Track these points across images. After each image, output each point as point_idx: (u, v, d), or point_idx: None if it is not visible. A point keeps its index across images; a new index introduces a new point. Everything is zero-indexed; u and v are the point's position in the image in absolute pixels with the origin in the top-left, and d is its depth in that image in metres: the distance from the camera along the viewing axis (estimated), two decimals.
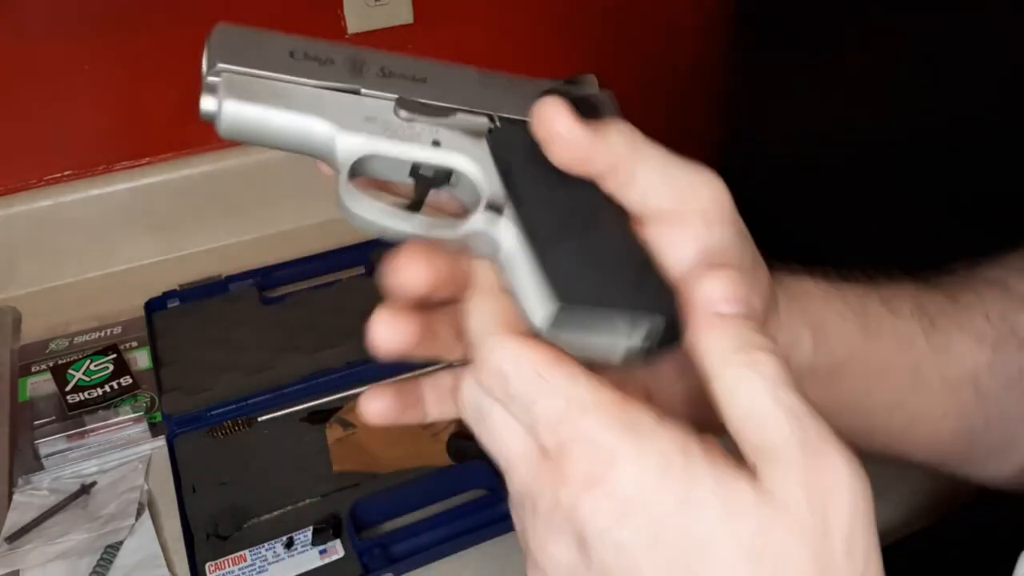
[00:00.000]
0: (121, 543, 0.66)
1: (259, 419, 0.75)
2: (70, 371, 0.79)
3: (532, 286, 0.32)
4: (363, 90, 0.34)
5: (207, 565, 0.62)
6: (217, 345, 0.81)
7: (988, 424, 0.43)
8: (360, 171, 0.34)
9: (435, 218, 0.34)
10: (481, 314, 0.32)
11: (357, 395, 0.76)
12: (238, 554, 0.63)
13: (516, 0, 1.04)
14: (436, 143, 0.34)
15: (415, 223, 0.34)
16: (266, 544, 0.63)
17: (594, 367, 0.31)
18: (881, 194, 0.95)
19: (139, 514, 0.68)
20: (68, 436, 0.73)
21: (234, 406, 0.75)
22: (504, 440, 0.33)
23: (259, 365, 0.78)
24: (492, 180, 0.34)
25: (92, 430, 0.73)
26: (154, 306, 0.87)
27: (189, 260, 0.98)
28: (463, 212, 0.35)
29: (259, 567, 0.62)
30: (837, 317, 0.40)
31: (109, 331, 0.85)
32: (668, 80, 1.17)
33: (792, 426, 0.29)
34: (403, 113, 0.34)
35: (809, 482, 0.28)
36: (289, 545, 0.63)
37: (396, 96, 0.34)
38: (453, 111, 0.35)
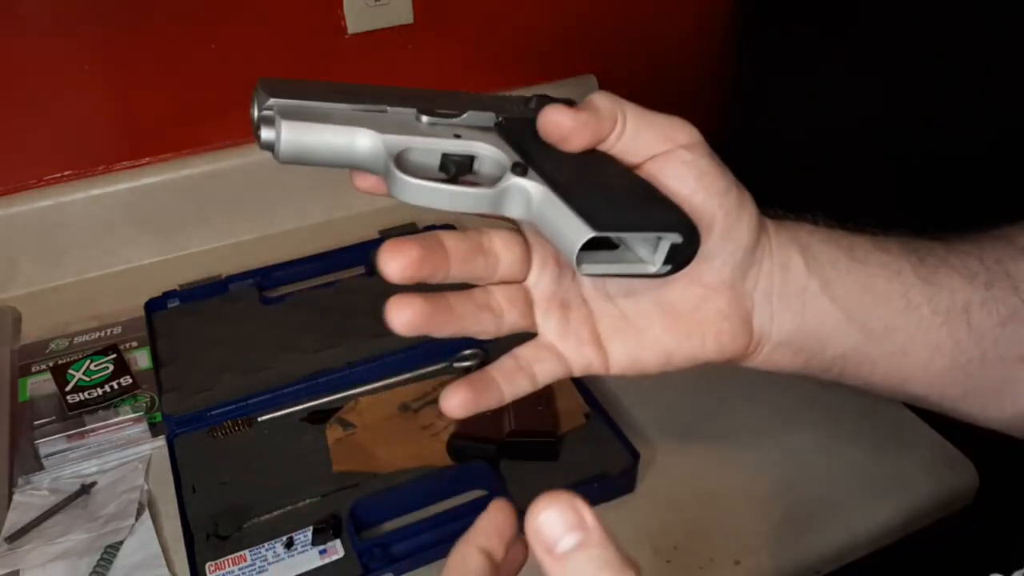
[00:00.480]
0: (121, 543, 0.66)
1: (259, 419, 0.75)
2: (70, 371, 0.79)
3: (566, 223, 0.37)
4: (388, 108, 0.40)
5: (207, 565, 0.62)
6: (217, 345, 0.81)
7: (984, 362, 0.44)
8: (401, 166, 0.39)
9: (472, 186, 0.40)
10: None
11: (357, 395, 0.76)
12: (238, 554, 0.63)
13: (516, 0, 1.04)
14: (457, 136, 0.41)
15: (458, 189, 0.39)
16: (266, 544, 0.63)
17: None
18: (883, 189, 0.95)
19: (139, 514, 0.68)
20: (68, 436, 0.73)
21: (234, 406, 0.75)
22: None
23: (259, 365, 0.78)
24: (510, 155, 0.40)
25: (92, 430, 0.73)
26: (154, 306, 0.87)
27: (189, 260, 0.98)
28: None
29: (259, 567, 0.62)
30: (823, 244, 0.44)
31: (109, 331, 0.85)
32: (668, 79, 1.17)
33: None
34: (424, 118, 0.41)
35: None
36: (289, 545, 0.63)
37: (416, 107, 0.41)
38: (464, 112, 0.41)
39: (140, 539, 0.66)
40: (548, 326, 0.42)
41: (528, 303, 0.42)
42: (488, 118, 0.41)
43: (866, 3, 0.95)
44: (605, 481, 0.66)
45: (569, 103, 0.42)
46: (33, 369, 0.81)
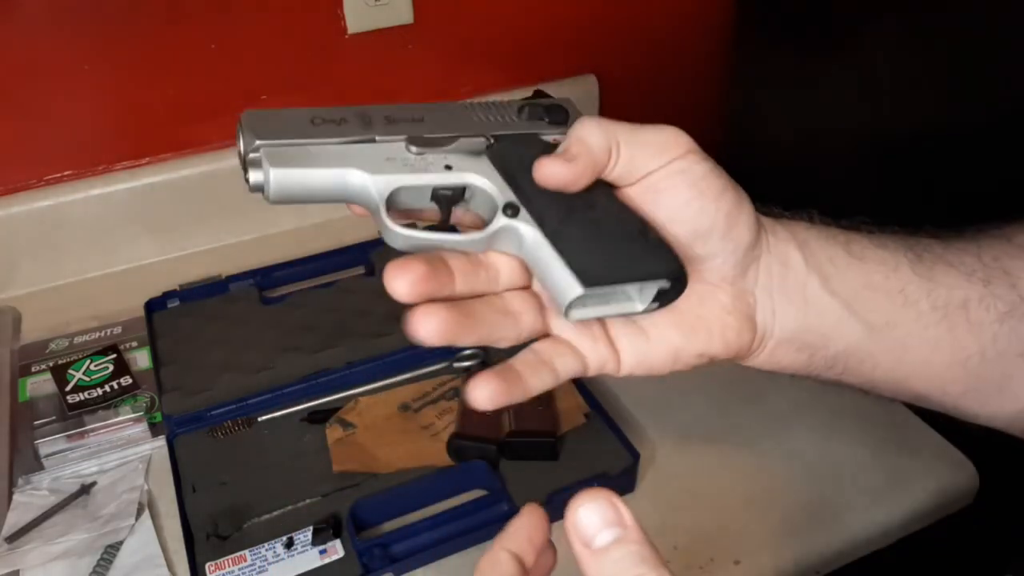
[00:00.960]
0: (121, 543, 0.66)
1: (259, 419, 0.75)
2: (70, 371, 0.79)
3: (556, 274, 0.38)
4: (377, 138, 0.40)
5: (207, 565, 0.62)
6: (217, 345, 0.81)
7: (984, 358, 0.44)
8: (392, 205, 0.40)
9: (462, 233, 0.40)
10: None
11: (357, 395, 0.76)
12: (238, 554, 0.63)
13: (516, 0, 1.04)
14: (448, 167, 0.41)
15: (448, 237, 0.40)
16: (266, 544, 0.63)
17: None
18: (880, 191, 0.95)
19: (139, 514, 0.68)
20: (68, 436, 0.73)
21: (234, 406, 0.75)
22: None
23: (259, 365, 0.78)
24: (501, 187, 0.40)
25: (92, 430, 0.73)
26: (154, 306, 0.87)
27: (189, 260, 0.98)
28: (481, 223, 0.41)
29: (259, 567, 0.62)
30: (821, 240, 0.44)
31: (109, 331, 0.85)
32: (668, 80, 1.17)
33: None
34: (414, 148, 0.40)
35: None
36: (289, 545, 0.63)
37: (406, 136, 0.41)
38: (454, 138, 0.41)
39: (140, 539, 0.66)
40: (563, 325, 0.42)
41: (539, 306, 0.42)
42: (479, 142, 0.41)
43: (866, 4, 0.95)
44: (605, 481, 0.66)
45: (560, 109, 0.43)
46: (33, 369, 0.81)
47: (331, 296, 0.88)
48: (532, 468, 0.68)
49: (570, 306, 0.38)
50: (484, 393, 0.39)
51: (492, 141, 0.42)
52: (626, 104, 1.14)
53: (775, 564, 0.63)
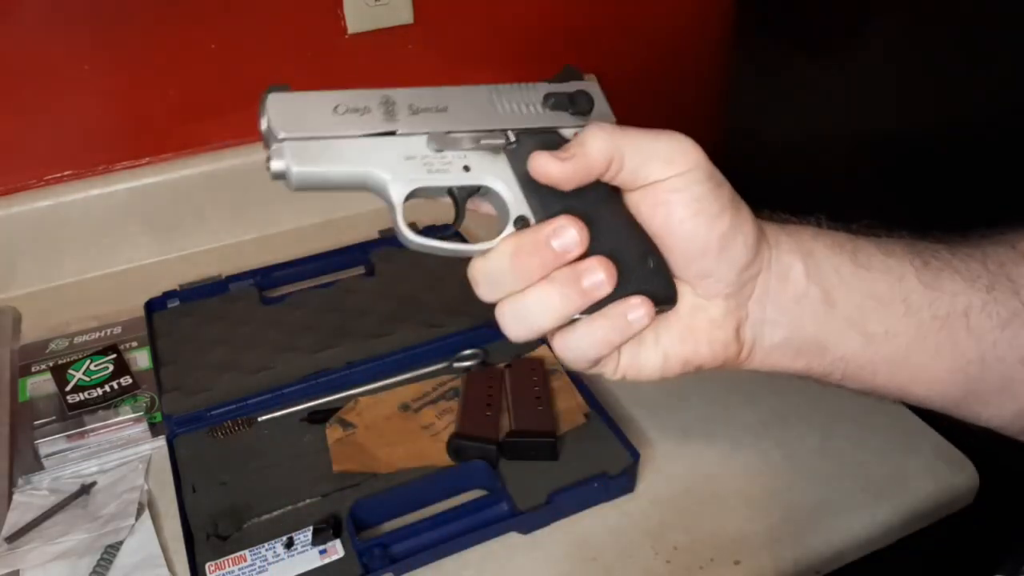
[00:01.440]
0: (121, 543, 0.65)
1: (259, 419, 0.75)
2: (70, 371, 0.79)
3: None
4: (399, 132, 0.41)
5: (207, 565, 0.62)
6: (217, 345, 0.81)
7: (984, 364, 0.45)
8: (410, 198, 0.42)
9: (473, 243, 0.42)
10: None
11: (357, 395, 0.76)
12: (238, 554, 0.63)
13: (516, 0, 1.04)
14: (466, 168, 0.42)
15: (461, 247, 0.42)
16: (266, 544, 0.63)
17: None
18: (880, 191, 0.95)
19: (139, 514, 0.68)
20: (68, 436, 0.73)
21: (234, 406, 0.75)
22: None
23: (259, 365, 0.78)
24: (516, 194, 0.42)
25: (92, 430, 0.73)
26: (154, 306, 0.87)
27: (189, 260, 0.98)
28: (493, 214, 0.44)
29: (259, 567, 0.62)
30: (827, 250, 0.45)
31: (109, 331, 0.85)
32: (668, 79, 1.17)
33: None
34: (434, 146, 0.42)
35: None
36: (289, 545, 0.63)
37: (427, 132, 0.42)
38: (475, 138, 0.42)
39: (140, 539, 0.66)
40: None
41: None
42: (499, 142, 0.43)
43: (865, 5, 0.95)
44: (605, 481, 0.66)
45: (585, 96, 0.44)
46: (33, 369, 0.81)
47: (331, 296, 0.88)
48: (532, 468, 0.68)
49: None
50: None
51: (513, 139, 0.43)
52: (626, 104, 1.13)
53: (775, 564, 0.63)
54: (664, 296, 0.42)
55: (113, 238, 0.96)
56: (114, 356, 0.81)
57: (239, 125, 0.97)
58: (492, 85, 0.44)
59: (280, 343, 0.81)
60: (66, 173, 0.94)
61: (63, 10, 0.86)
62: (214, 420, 0.75)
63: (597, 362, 0.43)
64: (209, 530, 0.65)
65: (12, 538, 0.66)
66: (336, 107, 0.41)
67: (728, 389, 0.76)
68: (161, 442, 0.74)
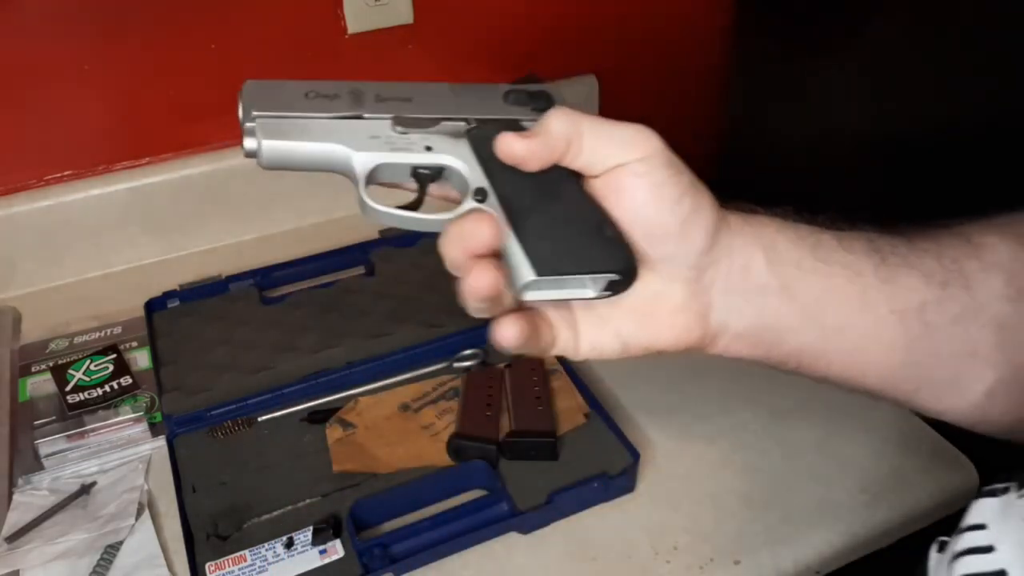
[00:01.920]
0: (121, 543, 0.66)
1: (259, 419, 0.75)
2: (70, 371, 0.79)
3: (514, 257, 0.41)
4: (365, 115, 0.43)
5: (207, 565, 0.62)
6: (217, 345, 0.81)
7: (937, 358, 0.45)
8: (373, 179, 0.43)
9: (433, 212, 0.43)
10: None
11: (357, 395, 0.76)
12: (238, 554, 0.63)
13: (516, 0, 1.04)
14: (429, 148, 0.43)
15: (420, 216, 0.43)
16: (266, 544, 0.63)
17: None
18: (880, 191, 0.95)
19: (139, 514, 0.68)
20: (68, 436, 0.73)
21: (234, 406, 0.75)
22: None
23: (259, 365, 0.78)
24: (475, 171, 0.43)
25: (92, 430, 0.73)
26: (154, 306, 0.87)
27: (189, 260, 0.98)
28: (457, 198, 0.44)
29: (259, 567, 0.62)
30: (789, 243, 0.45)
31: (109, 331, 0.85)
32: (668, 80, 1.17)
33: None
34: (399, 128, 0.43)
35: None
36: (289, 545, 0.63)
37: (392, 116, 0.44)
38: (437, 120, 0.44)
39: (140, 539, 0.66)
40: (546, 304, 0.44)
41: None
42: (460, 126, 0.44)
43: (865, 5, 0.95)
44: (605, 481, 0.66)
45: (544, 96, 0.46)
46: (33, 369, 0.81)
47: (331, 296, 0.88)
48: (532, 468, 0.68)
49: (523, 288, 0.41)
50: (511, 332, 0.41)
51: (474, 125, 0.44)
52: (626, 104, 1.14)
53: (775, 564, 0.63)
54: (623, 264, 0.42)
55: (113, 238, 0.96)
56: (114, 356, 0.81)
57: (239, 125, 0.96)
58: (454, 84, 0.46)
59: (280, 343, 0.81)
60: (66, 173, 0.94)
61: (63, 10, 0.86)
62: (214, 420, 0.75)
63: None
64: (209, 530, 0.65)
65: (12, 538, 0.66)
66: (307, 93, 0.44)
67: (728, 389, 0.76)
68: (161, 442, 0.74)
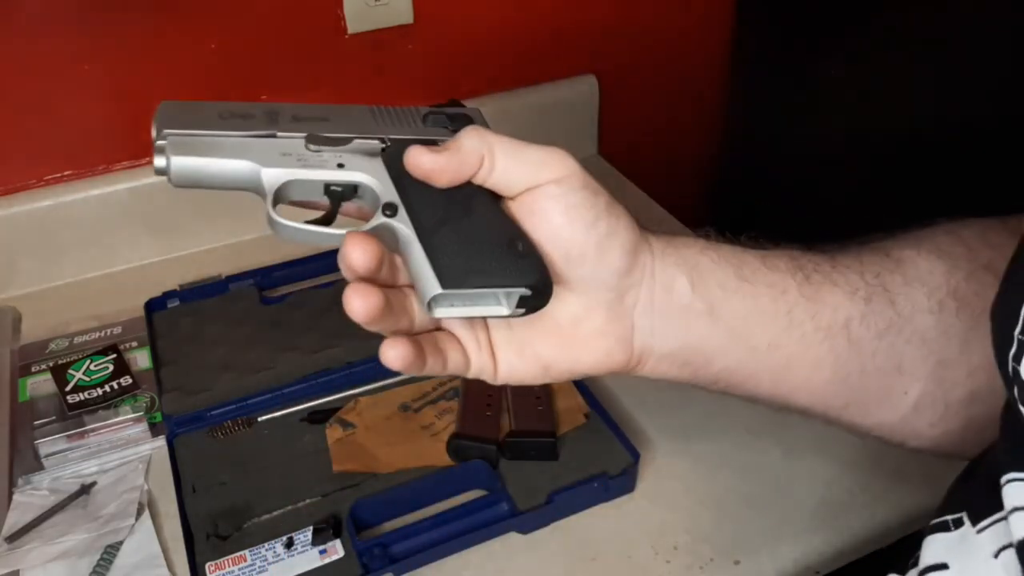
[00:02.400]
0: (121, 543, 0.66)
1: (259, 419, 0.75)
2: (70, 371, 0.79)
3: (422, 272, 0.41)
4: (278, 134, 0.43)
5: (207, 565, 0.62)
6: (217, 345, 0.81)
7: (864, 373, 0.46)
8: (284, 197, 0.43)
9: (344, 226, 0.43)
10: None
11: (357, 395, 0.76)
12: (238, 554, 0.63)
13: (516, 0, 1.04)
14: (341, 165, 0.43)
15: (328, 231, 0.43)
16: (266, 544, 0.63)
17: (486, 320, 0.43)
18: (877, 190, 0.95)
19: (139, 514, 0.68)
20: (68, 436, 0.73)
21: (234, 406, 0.75)
22: None
23: (259, 365, 0.78)
24: (388, 188, 0.43)
25: (92, 430, 0.73)
26: (154, 306, 0.87)
27: (189, 260, 0.98)
28: (370, 216, 0.43)
29: (259, 567, 0.62)
30: (712, 264, 0.45)
31: (109, 331, 0.85)
32: (667, 80, 1.17)
33: None
34: (312, 146, 0.43)
35: None
36: (289, 545, 0.63)
37: (305, 134, 0.43)
38: (351, 139, 0.44)
39: (140, 539, 0.66)
40: (455, 323, 0.44)
41: None
42: (375, 145, 0.44)
43: (865, 6, 0.95)
44: (605, 481, 0.66)
45: (465, 118, 0.45)
46: (33, 369, 0.81)
47: (331, 296, 0.88)
48: (532, 468, 0.68)
49: (431, 303, 0.41)
50: (394, 353, 0.41)
51: (388, 144, 0.44)
52: (626, 104, 1.14)
53: (775, 564, 0.63)
54: (534, 279, 0.41)
55: (113, 238, 0.96)
56: (114, 356, 0.81)
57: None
58: (373, 106, 0.46)
59: (280, 343, 0.81)
60: (66, 173, 0.94)
61: (62, 10, 0.86)
62: (214, 420, 0.75)
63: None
64: (209, 530, 0.65)
65: (12, 538, 0.66)
66: (222, 113, 0.43)
67: None
68: (161, 442, 0.74)
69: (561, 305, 0.44)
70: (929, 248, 0.46)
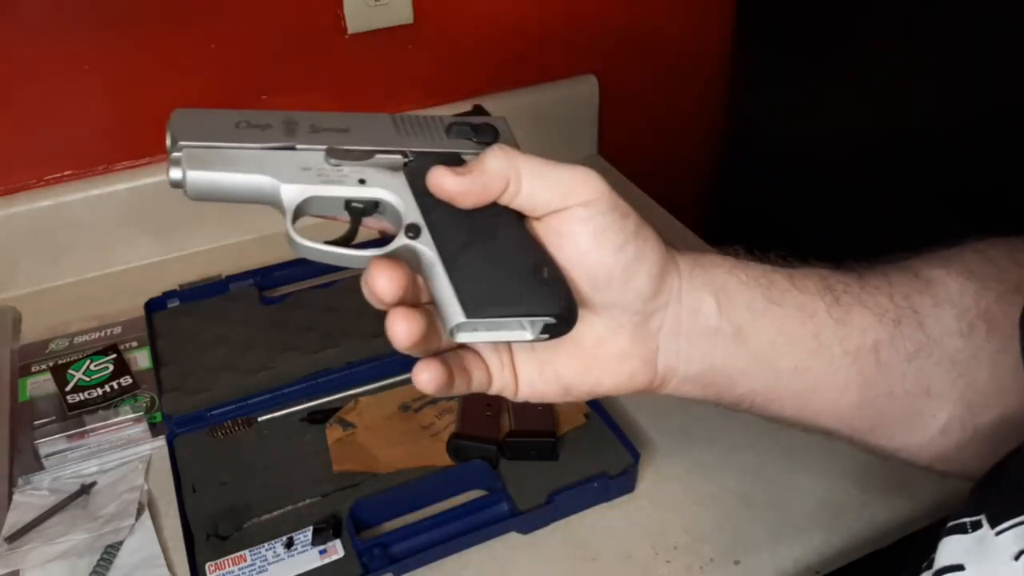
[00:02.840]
0: (121, 543, 0.66)
1: (259, 419, 0.75)
2: (70, 371, 0.79)
3: (445, 297, 0.40)
4: (297, 146, 0.42)
5: (207, 565, 0.62)
6: (217, 345, 0.81)
7: (892, 396, 0.45)
8: (303, 212, 0.42)
9: (364, 249, 0.42)
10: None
11: (357, 395, 0.76)
12: (238, 554, 0.63)
13: (516, 0, 1.04)
14: (362, 181, 0.42)
15: (352, 253, 0.42)
16: (266, 544, 0.63)
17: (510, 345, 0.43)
18: (876, 190, 0.95)
19: (139, 514, 0.68)
20: (68, 436, 0.73)
21: (234, 406, 0.75)
22: None
23: (259, 365, 0.78)
24: (410, 206, 0.41)
25: (92, 430, 0.73)
26: (154, 306, 0.87)
27: (189, 260, 0.98)
28: (394, 232, 0.42)
29: (259, 567, 0.62)
30: (740, 285, 0.44)
31: (109, 331, 0.85)
32: (667, 80, 1.17)
33: None
34: (332, 160, 0.42)
35: None
36: (289, 545, 0.63)
37: (326, 147, 0.42)
38: (372, 153, 0.42)
39: (140, 539, 0.66)
40: (480, 345, 0.44)
41: None
42: (397, 159, 0.42)
43: (865, 5, 0.95)
44: (605, 481, 0.66)
45: (489, 128, 0.44)
46: (33, 369, 0.81)
47: (331, 296, 0.88)
48: (532, 468, 0.68)
49: (454, 330, 0.40)
50: (427, 376, 0.41)
51: (411, 158, 0.42)
52: (626, 104, 1.14)
53: (775, 564, 0.63)
54: (558, 308, 0.40)
55: (113, 238, 0.96)
56: (114, 356, 0.81)
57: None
58: (395, 115, 0.45)
59: (280, 343, 0.81)
60: (66, 173, 0.94)
61: (63, 10, 0.86)
62: (214, 420, 0.75)
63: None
64: (209, 530, 0.65)
65: (12, 538, 0.66)
66: (238, 123, 0.42)
67: None
68: (161, 442, 0.74)
69: (585, 327, 0.43)
70: (959, 268, 0.45)
